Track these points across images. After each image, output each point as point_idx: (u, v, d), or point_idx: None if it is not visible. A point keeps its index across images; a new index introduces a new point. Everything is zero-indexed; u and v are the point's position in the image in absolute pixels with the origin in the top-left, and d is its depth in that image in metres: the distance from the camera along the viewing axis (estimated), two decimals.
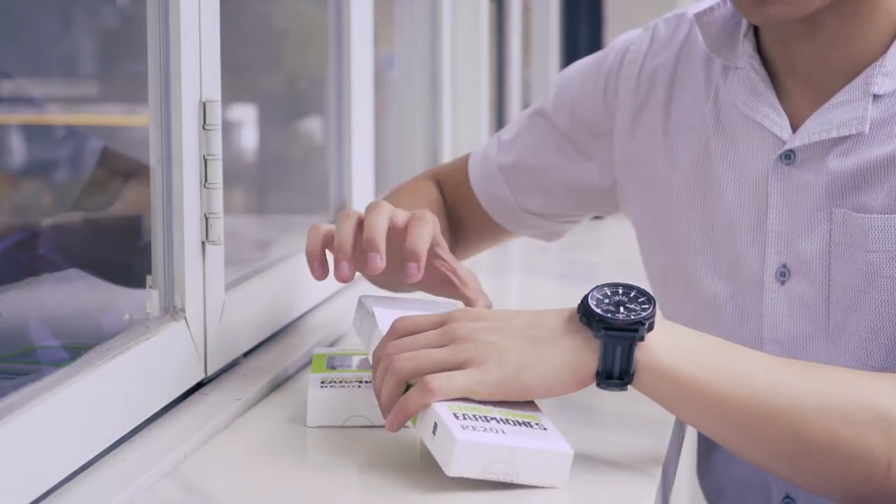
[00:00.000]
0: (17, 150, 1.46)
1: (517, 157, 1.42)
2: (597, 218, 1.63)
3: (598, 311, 1.01)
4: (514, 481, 0.98)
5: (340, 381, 1.16)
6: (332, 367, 1.21)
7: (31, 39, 1.47)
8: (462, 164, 1.49)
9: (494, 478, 0.98)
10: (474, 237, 1.48)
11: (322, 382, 1.16)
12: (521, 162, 1.42)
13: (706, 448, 1.36)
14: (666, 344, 1.02)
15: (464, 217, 1.47)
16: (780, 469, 1.04)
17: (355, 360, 1.24)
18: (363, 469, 1.06)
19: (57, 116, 1.55)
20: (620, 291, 1.03)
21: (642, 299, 1.02)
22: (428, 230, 1.14)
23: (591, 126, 1.37)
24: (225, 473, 1.06)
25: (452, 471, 0.97)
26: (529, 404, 1.04)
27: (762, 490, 1.27)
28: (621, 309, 1.01)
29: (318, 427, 1.14)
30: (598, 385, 1.01)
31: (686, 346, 1.02)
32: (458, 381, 1.00)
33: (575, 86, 1.39)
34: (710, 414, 1.02)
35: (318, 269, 1.14)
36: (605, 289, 1.03)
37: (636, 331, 1.00)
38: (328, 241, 1.15)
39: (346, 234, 1.13)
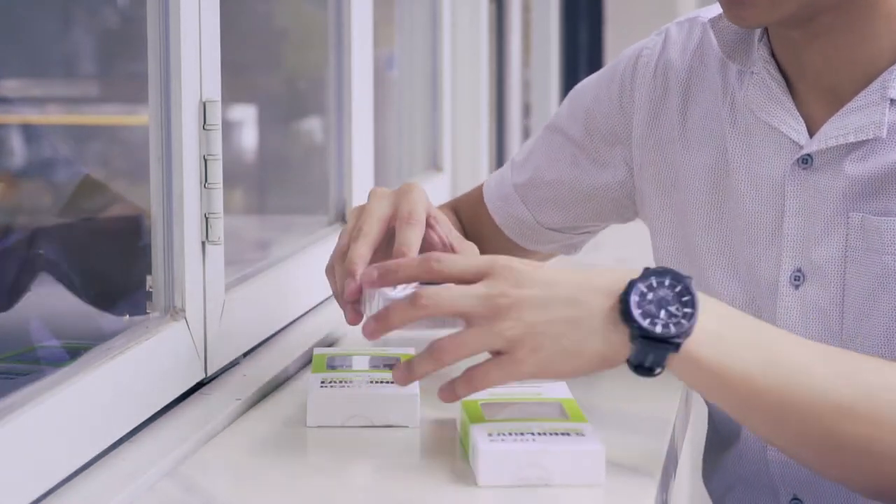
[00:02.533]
0: (16, 152, 1.46)
1: (532, 174, 1.42)
2: None
3: (637, 314, 0.98)
4: (549, 485, 0.99)
5: (340, 381, 1.16)
6: (332, 367, 1.21)
7: (31, 39, 1.47)
8: (477, 192, 1.50)
9: (528, 483, 0.99)
10: None
11: (322, 382, 1.16)
12: (536, 178, 1.42)
13: (717, 446, 1.35)
14: (703, 334, 1.00)
15: (482, 242, 1.45)
16: (809, 461, 1.05)
17: (355, 360, 1.24)
18: (363, 469, 1.07)
19: (57, 116, 1.55)
20: (667, 283, 1.00)
21: (686, 298, 1.00)
22: (417, 232, 1.15)
23: (608, 134, 1.36)
24: (225, 473, 1.06)
25: (481, 480, 0.99)
26: (577, 416, 1.06)
27: (770, 490, 1.26)
28: (662, 313, 0.99)
29: (318, 427, 1.14)
30: (629, 369, 1.01)
31: (723, 337, 1.00)
32: (492, 376, 1.00)
33: (588, 95, 1.39)
34: (742, 404, 1.02)
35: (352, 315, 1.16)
36: (652, 279, 1.00)
37: (672, 344, 0.99)
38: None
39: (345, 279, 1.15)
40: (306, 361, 1.38)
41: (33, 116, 1.49)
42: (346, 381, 1.16)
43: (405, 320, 1.02)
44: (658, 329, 0.98)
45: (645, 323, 0.98)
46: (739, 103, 1.25)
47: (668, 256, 1.32)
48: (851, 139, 1.17)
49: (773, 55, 1.23)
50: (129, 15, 1.66)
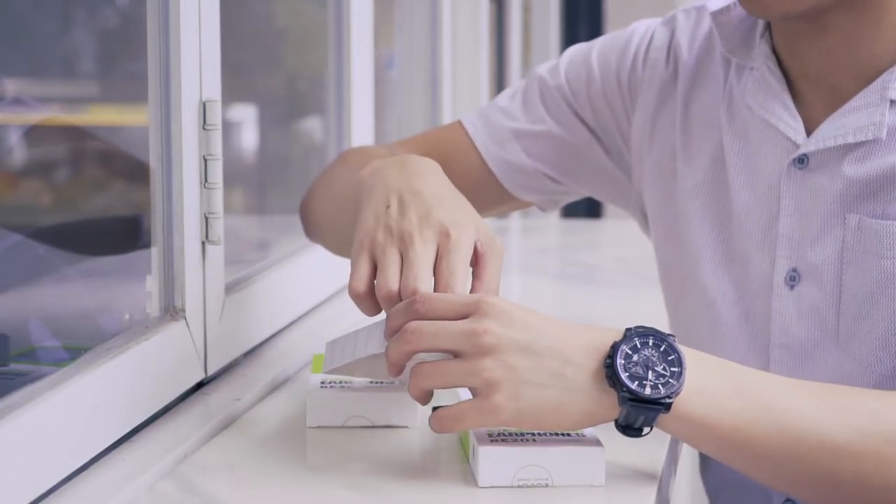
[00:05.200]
0: (15, 150, 1.46)
1: (528, 125, 1.37)
2: (594, 216, 1.62)
3: (625, 377, 0.97)
4: (550, 485, 0.99)
5: (340, 382, 1.17)
6: None
7: (31, 39, 1.47)
8: (455, 134, 1.39)
9: (529, 484, 0.99)
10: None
11: (322, 383, 1.16)
12: (532, 130, 1.36)
13: None
14: (691, 390, 0.99)
15: (461, 184, 1.25)
16: (806, 499, 1.05)
17: None
18: (363, 469, 1.06)
19: (57, 116, 1.55)
20: (651, 343, 0.99)
21: (672, 357, 0.99)
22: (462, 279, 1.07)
23: (607, 110, 1.33)
24: (225, 473, 1.06)
25: (482, 480, 0.99)
26: None
27: (762, 490, 1.26)
28: (650, 374, 0.98)
29: (318, 427, 1.14)
30: (617, 429, 1.00)
31: (710, 390, 1.00)
32: (467, 420, 0.99)
33: (592, 65, 1.35)
34: (735, 453, 1.01)
35: (370, 308, 1.07)
36: (635, 340, 0.99)
37: (663, 405, 0.98)
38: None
39: (392, 282, 1.04)
40: (306, 361, 1.38)
41: (33, 116, 1.49)
42: (346, 382, 1.17)
43: (402, 356, 1.00)
44: (647, 391, 0.97)
45: (633, 385, 0.97)
46: (737, 99, 1.25)
47: (660, 245, 1.32)
48: (850, 140, 1.16)
49: (774, 52, 1.22)
50: (129, 15, 1.65)
